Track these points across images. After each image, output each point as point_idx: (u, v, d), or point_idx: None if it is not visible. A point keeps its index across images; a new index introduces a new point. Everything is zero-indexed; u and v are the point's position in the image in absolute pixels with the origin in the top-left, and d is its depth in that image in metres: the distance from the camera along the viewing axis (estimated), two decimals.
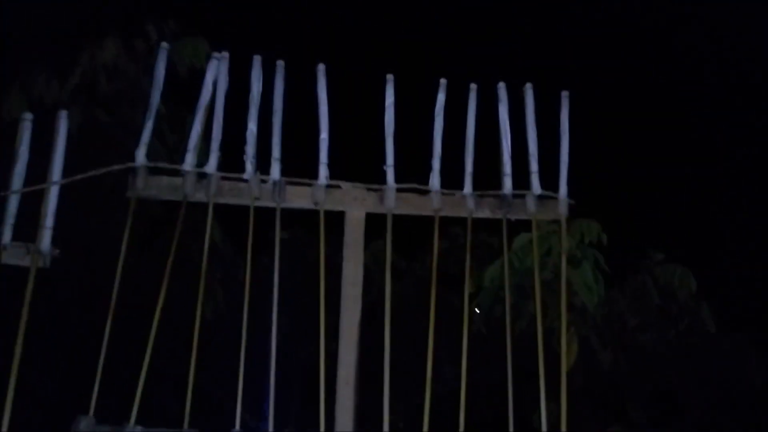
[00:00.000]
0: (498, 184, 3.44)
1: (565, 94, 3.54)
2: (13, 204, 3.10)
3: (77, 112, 4.55)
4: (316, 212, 3.31)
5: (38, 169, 3.16)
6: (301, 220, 3.34)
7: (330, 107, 3.36)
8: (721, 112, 8.82)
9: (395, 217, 3.41)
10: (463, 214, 3.41)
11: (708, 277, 7.06)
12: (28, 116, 3.19)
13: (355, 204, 3.31)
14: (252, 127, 3.28)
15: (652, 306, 6.92)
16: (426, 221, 3.41)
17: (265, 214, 3.31)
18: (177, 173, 3.25)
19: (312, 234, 3.28)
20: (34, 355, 3.16)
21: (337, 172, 3.34)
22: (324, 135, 3.34)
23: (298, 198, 3.32)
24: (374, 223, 3.39)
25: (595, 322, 6.33)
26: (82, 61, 4.86)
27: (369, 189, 3.35)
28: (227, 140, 3.40)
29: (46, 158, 3.16)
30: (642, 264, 7.08)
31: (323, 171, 3.30)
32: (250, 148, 3.26)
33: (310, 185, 3.29)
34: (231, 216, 3.27)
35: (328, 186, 3.31)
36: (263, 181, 3.27)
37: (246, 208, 3.26)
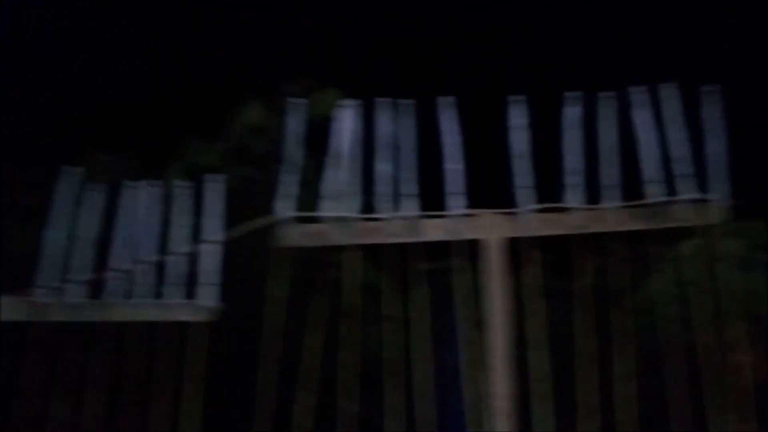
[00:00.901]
0: (640, 194, 3.29)
1: (711, 89, 3.33)
2: (177, 265, 3.40)
3: (233, 174, 4.88)
4: (472, 241, 3.33)
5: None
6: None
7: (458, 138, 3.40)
8: None
9: (550, 238, 3.36)
10: (607, 228, 3.29)
11: None
12: (183, 184, 3.52)
13: (492, 230, 3.29)
14: (385, 168, 3.39)
15: None
16: (582, 240, 3.32)
17: (422, 249, 3.37)
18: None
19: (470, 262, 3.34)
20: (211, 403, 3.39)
21: (471, 200, 3.35)
22: (456, 166, 3.37)
23: (435, 230, 3.35)
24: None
25: None
26: (233, 125, 5.24)
27: (505, 213, 3.32)
28: (365, 182, 3.52)
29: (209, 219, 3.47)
30: None
31: (457, 201, 3.32)
32: (385, 188, 3.36)
33: (445, 217, 3.33)
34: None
35: (464, 215, 3.32)
36: (400, 218, 3.34)
37: (406, 245, 3.35)
